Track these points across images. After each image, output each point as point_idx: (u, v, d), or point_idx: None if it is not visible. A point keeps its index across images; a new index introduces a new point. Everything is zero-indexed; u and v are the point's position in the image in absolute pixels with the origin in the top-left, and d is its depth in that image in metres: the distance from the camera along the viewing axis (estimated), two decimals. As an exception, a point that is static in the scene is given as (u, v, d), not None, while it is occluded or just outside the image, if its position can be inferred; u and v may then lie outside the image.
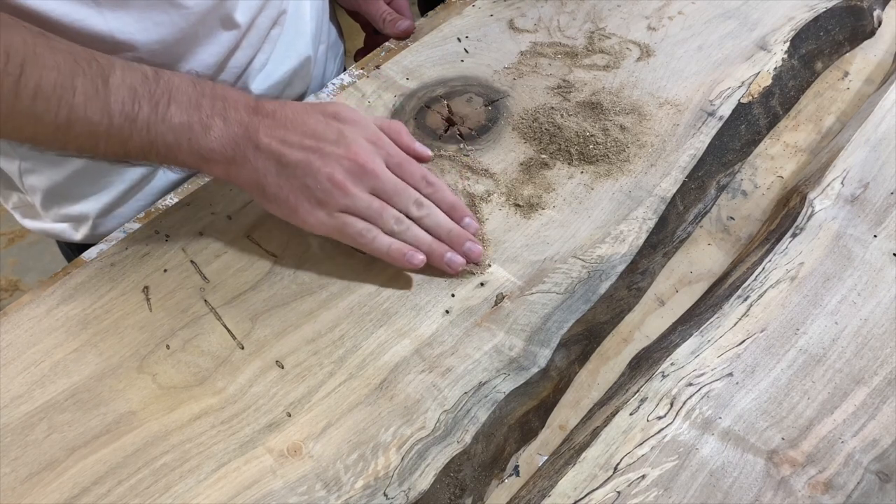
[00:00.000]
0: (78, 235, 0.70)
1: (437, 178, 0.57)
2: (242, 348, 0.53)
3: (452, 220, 0.56)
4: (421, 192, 0.56)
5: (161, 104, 0.51)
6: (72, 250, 0.73)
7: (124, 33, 0.57)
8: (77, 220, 0.69)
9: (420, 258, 0.54)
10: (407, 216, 0.55)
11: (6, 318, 0.54)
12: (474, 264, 0.56)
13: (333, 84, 0.70)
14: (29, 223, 0.73)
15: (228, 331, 0.53)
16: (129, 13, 0.56)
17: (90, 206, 0.67)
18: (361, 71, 0.71)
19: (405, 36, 0.74)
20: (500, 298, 0.55)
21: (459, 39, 0.73)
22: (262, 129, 0.52)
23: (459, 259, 0.55)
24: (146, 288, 0.56)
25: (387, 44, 0.74)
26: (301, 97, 0.74)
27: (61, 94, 0.48)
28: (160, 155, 0.52)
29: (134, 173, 0.66)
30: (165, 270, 0.56)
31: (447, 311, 0.54)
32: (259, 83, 0.69)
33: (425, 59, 0.71)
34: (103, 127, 0.49)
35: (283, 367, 0.52)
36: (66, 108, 0.48)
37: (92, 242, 0.61)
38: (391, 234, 0.54)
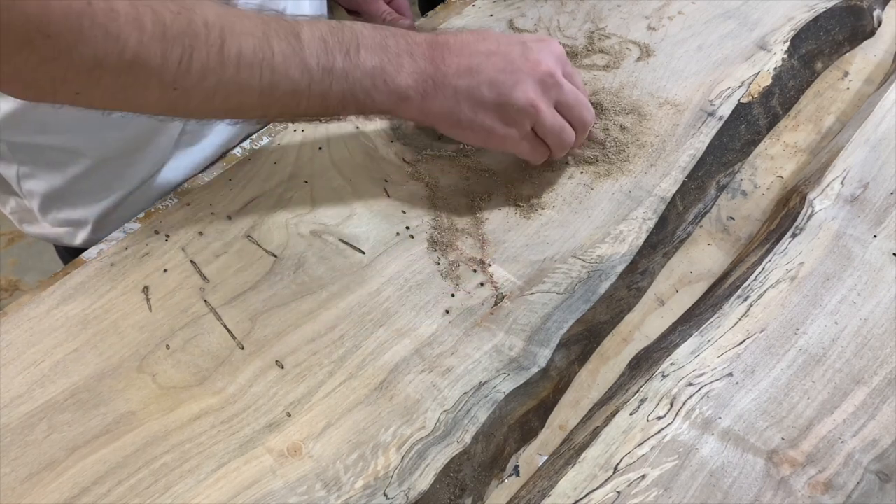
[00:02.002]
0: (77, 240, 0.70)
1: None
2: (242, 348, 0.53)
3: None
4: (577, 118, 0.58)
5: (352, 51, 0.51)
6: (70, 255, 0.73)
7: None
8: (76, 225, 0.69)
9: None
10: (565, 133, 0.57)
11: (6, 318, 0.54)
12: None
13: (333, 84, 0.70)
14: (27, 228, 0.72)
15: (228, 331, 0.53)
16: None
17: (89, 211, 0.67)
18: (361, 71, 0.71)
19: None
20: (500, 298, 0.55)
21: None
22: (447, 59, 0.54)
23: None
24: (146, 288, 0.56)
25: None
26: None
27: (262, 57, 0.48)
28: (358, 101, 0.53)
29: (133, 177, 0.66)
30: (165, 270, 0.56)
31: (447, 311, 0.54)
32: None
33: (425, 59, 0.71)
34: (305, 83, 0.50)
35: (283, 367, 0.52)
36: (269, 71, 0.49)
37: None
38: (560, 150, 0.58)
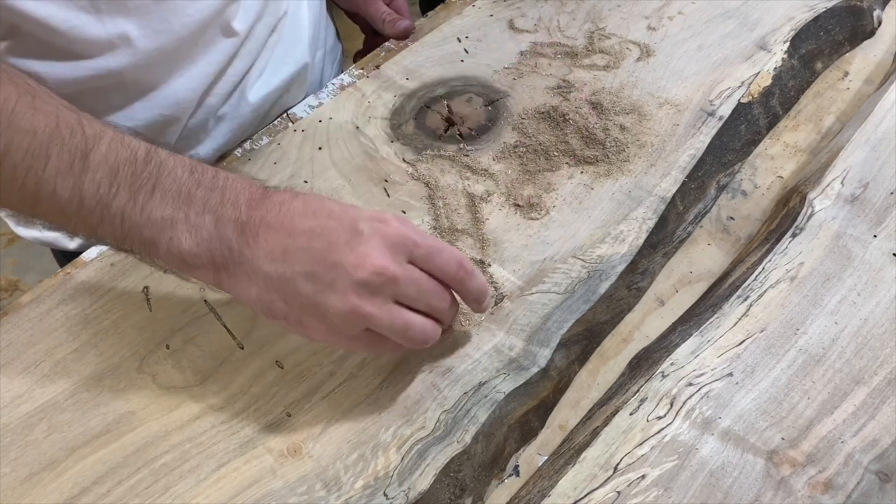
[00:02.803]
0: (73, 244, 0.70)
1: (472, 266, 0.47)
2: (242, 348, 0.53)
3: (479, 305, 0.49)
4: (454, 282, 0.47)
5: (143, 192, 0.43)
6: (66, 258, 0.72)
7: (124, 40, 0.56)
8: None
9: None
10: (432, 315, 0.47)
11: (6, 318, 0.54)
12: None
13: (333, 84, 0.70)
14: (23, 231, 0.72)
15: (228, 331, 0.53)
16: (129, 20, 0.56)
17: None
18: (361, 71, 0.71)
19: (405, 36, 0.74)
20: (500, 298, 0.55)
21: (459, 40, 0.73)
22: (262, 232, 0.43)
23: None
24: (146, 288, 0.56)
25: (387, 44, 0.74)
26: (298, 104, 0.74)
27: (31, 163, 0.42)
28: (135, 250, 0.45)
29: None
30: (165, 271, 0.56)
31: (447, 311, 0.54)
32: (256, 91, 0.69)
33: (425, 59, 0.71)
34: (73, 207, 0.43)
35: (282, 367, 0.52)
36: (34, 180, 0.42)
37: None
38: (415, 347, 0.47)
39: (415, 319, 0.45)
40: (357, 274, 0.42)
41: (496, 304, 0.54)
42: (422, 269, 0.45)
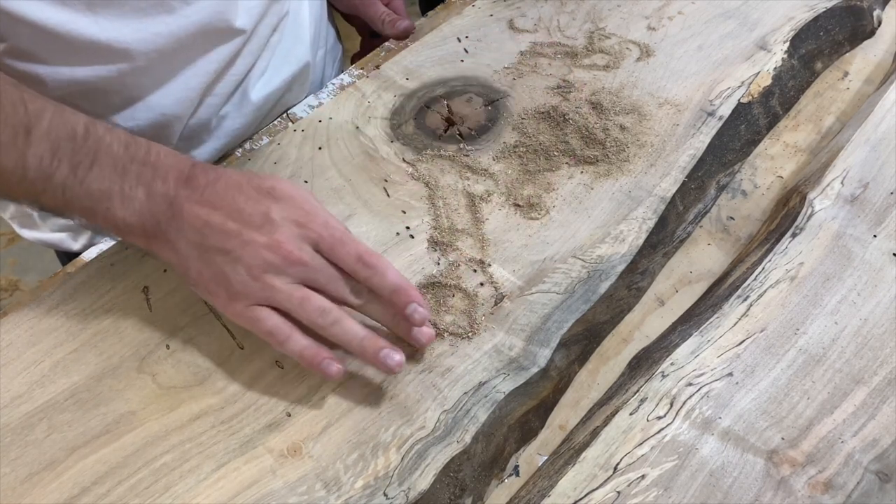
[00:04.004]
0: (77, 245, 0.70)
1: (379, 258, 0.48)
2: (242, 348, 0.53)
3: (396, 306, 0.48)
4: (358, 277, 0.48)
5: (83, 166, 0.47)
6: (69, 259, 0.73)
7: (121, 43, 0.56)
8: (76, 230, 0.69)
9: (336, 369, 0.47)
10: (346, 304, 0.49)
11: (6, 318, 0.54)
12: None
13: (333, 84, 0.70)
14: (27, 233, 0.72)
15: (228, 331, 0.53)
16: (126, 23, 0.56)
17: None
18: (361, 71, 0.71)
19: (405, 36, 0.74)
20: (499, 298, 0.55)
21: (459, 39, 0.73)
22: (186, 207, 0.48)
23: (397, 357, 0.48)
24: (146, 288, 0.56)
25: (387, 44, 0.74)
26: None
27: None
28: (75, 217, 0.49)
29: None
30: (165, 270, 0.56)
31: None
32: (258, 90, 0.69)
33: (425, 59, 0.71)
34: (16, 177, 0.47)
35: (282, 367, 0.52)
36: None
37: None
38: (315, 327, 0.48)
39: (315, 296, 0.48)
40: (267, 255, 0.47)
41: (496, 304, 0.54)
42: (328, 260, 0.48)
